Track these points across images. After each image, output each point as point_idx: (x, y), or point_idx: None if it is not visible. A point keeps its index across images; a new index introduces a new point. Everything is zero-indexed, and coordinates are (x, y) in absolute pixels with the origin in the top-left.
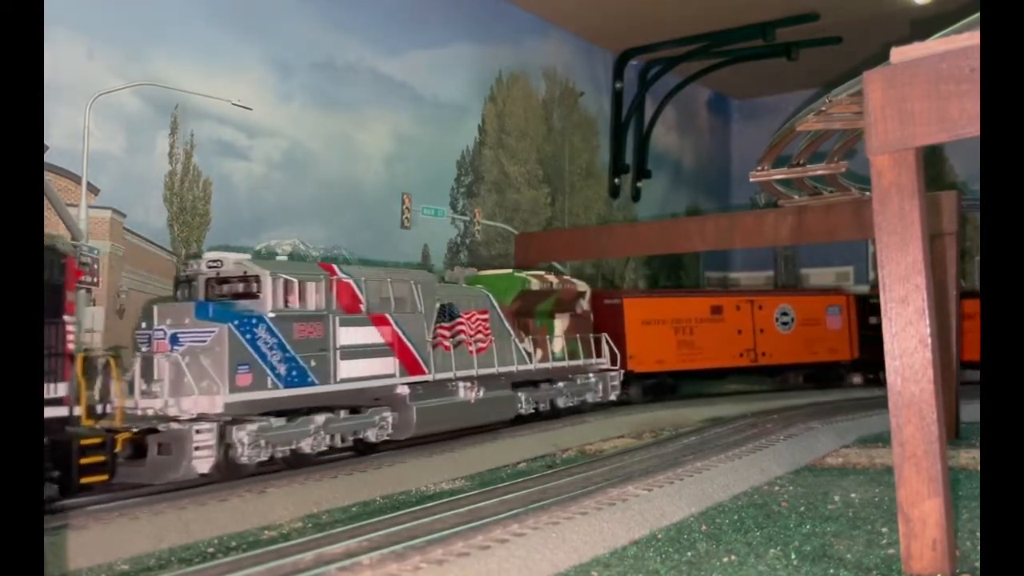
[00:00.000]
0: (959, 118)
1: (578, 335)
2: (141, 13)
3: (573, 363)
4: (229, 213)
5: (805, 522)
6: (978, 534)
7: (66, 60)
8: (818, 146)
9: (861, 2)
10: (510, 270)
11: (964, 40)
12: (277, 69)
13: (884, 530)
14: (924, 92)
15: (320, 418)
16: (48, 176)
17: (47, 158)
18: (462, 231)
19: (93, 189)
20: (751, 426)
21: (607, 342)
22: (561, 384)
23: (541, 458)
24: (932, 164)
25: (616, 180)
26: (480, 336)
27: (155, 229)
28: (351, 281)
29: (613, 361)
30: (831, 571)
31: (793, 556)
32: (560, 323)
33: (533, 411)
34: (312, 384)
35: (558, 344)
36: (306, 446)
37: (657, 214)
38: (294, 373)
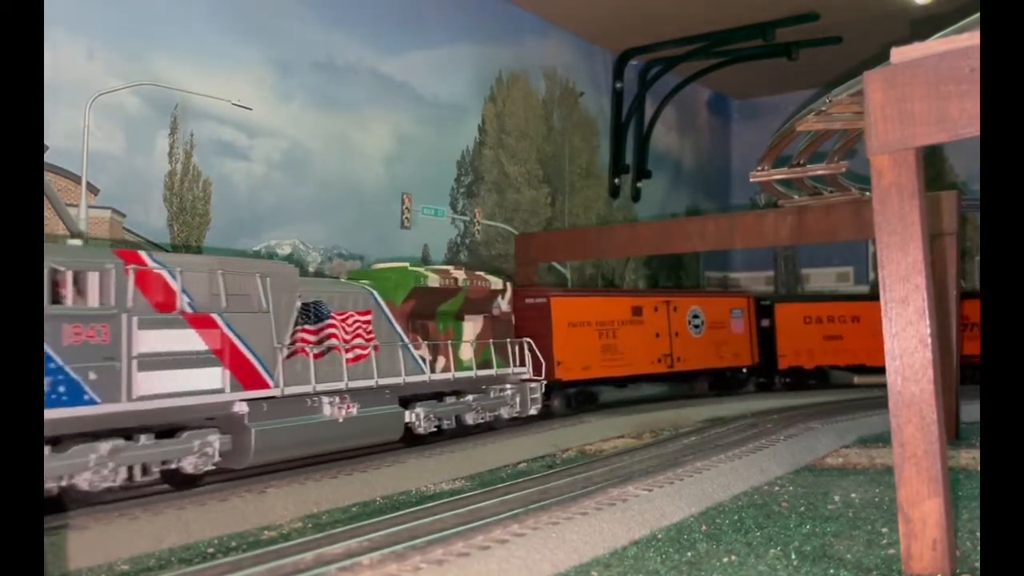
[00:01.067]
0: (959, 118)
1: (493, 340)
2: (141, 13)
3: (484, 373)
4: (229, 213)
5: (805, 522)
6: (978, 534)
7: (66, 60)
8: (818, 146)
9: (861, 2)
10: (405, 264)
11: (964, 40)
12: (277, 69)
13: (884, 530)
14: (924, 92)
15: (104, 446)
16: (48, 176)
17: (47, 158)
18: (462, 231)
19: (93, 189)
20: (751, 426)
21: (530, 349)
22: (470, 398)
23: (541, 458)
24: (932, 164)
25: (616, 180)
26: (359, 341)
27: (155, 229)
28: (163, 272)
29: (536, 370)
30: (831, 571)
31: (793, 556)
32: (471, 326)
33: (435, 429)
34: (90, 403)
35: (466, 351)
36: (84, 482)
37: (657, 214)
38: (61, 389)
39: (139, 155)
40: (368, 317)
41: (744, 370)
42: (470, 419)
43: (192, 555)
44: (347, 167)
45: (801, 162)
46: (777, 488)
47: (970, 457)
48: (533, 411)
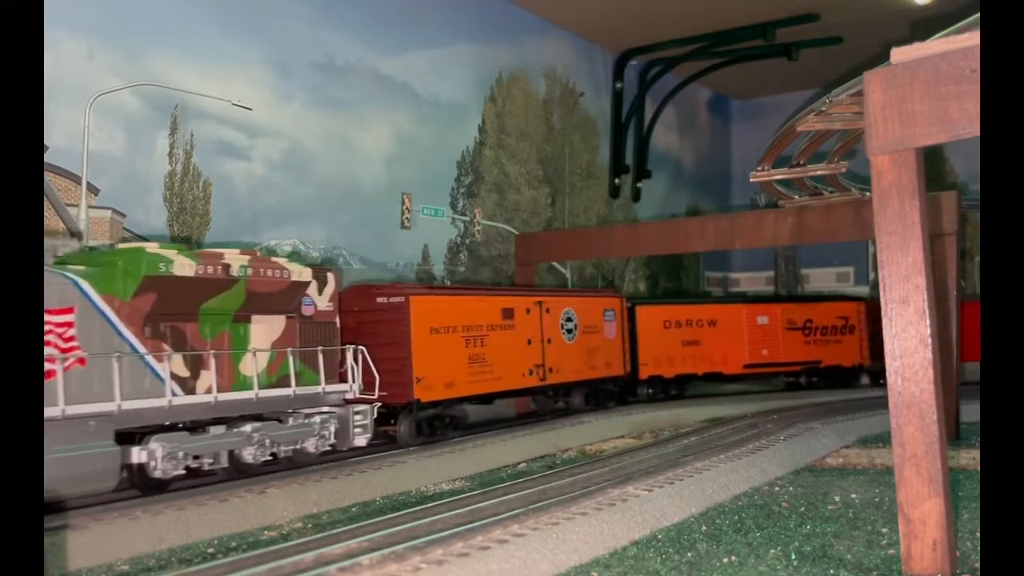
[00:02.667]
0: (959, 119)
1: (298, 348)
2: (141, 13)
3: (272, 394)
4: (229, 213)
5: (805, 522)
6: (978, 535)
7: (66, 60)
8: (818, 146)
9: (861, 2)
10: (145, 244)
11: (964, 40)
12: (277, 69)
13: (884, 530)
14: (924, 92)
15: None
16: (48, 176)
17: (47, 158)
18: (462, 231)
19: (93, 189)
20: (751, 426)
21: (358, 360)
22: (248, 428)
23: (541, 459)
24: (932, 164)
25: (616, 180)
26: (50, 352)
27: (155, 229)
28: None
29: (368, 387)
30: (831, 571)
31: (793, 556)
32: (262, 330)
33: (185, 471)
34: None
35: (250, 364)
36: None
37: (657, 214)
38: None
39: (139, 155)
40: (68, 317)
41: (618, 381)
42: (250, 455)
43: (192, 555)
44: (347, 167)
45: (801, 162)
46: (777, 488)
47: (970, 457)
48: (360, 442)
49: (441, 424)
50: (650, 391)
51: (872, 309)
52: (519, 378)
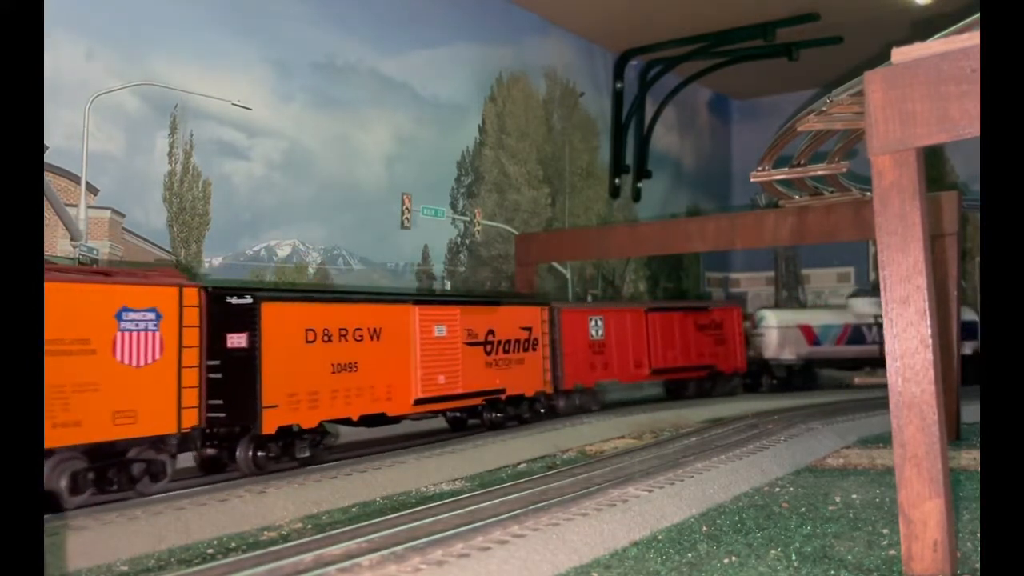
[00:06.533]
0: (960, 119)
1: None
2: (141, 13)
3: None
4: (229, 213)
5: (806, 523)
6: (979, 535)
7: (66, 60)
8: (818, 146)
9: (862, 2)
10: None
11: (964, 40)
12: (277, 69)
13: (885, 531)
14: (925, 92)
15: None
16: (48, 176)
17: (47, 158)
18: (462, 231)
19: (92, 189)
20: (751, 427)
21: None
22: None
23: (541, 459)
24: (933, 164)
25: (616, 180)
26: None
27: (154, 229)
28: None
29: None
30: (832, 572)
31: (794, 557)
32: None
33: None
34: None
35: None
36: None
37: (657, 214)
38: None
39: (139, 155)
40: None
41: (170, 442)
42: None
43: (192, 556)
44: (347, 167)
45: (801, 162)
46: (778, 489)
47: (971, 458)
48: None
49: None
50: (259, 455)
51: (553, 316)
52: None
